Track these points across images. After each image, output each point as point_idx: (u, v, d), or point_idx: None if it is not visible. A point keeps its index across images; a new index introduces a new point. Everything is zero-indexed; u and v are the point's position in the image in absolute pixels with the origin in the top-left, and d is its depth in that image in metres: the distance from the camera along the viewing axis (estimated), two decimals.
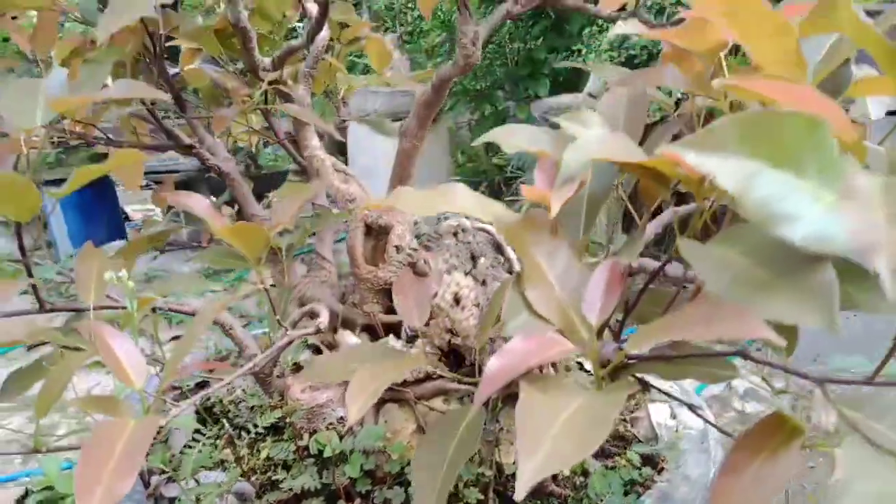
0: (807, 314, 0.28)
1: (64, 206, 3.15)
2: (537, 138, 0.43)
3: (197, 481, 0.74)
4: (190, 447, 0.75)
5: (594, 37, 3.29)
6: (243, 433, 0.78)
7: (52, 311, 0.59)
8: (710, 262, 0.30)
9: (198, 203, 0.57)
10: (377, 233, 0.85)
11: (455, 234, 0.96)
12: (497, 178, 3.89)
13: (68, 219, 3.24)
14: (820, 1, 0.35)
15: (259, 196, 0.94)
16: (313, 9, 0.84)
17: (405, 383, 0.72)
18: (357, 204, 0.85)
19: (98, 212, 3.33)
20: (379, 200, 0.40)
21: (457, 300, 0.79)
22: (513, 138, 0.42)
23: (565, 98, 3.98)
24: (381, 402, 0.74)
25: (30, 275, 0.56)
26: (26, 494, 1.29)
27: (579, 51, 3.44)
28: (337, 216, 0.82)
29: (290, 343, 0.61)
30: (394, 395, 0.73)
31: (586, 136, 0.37)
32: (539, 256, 0.36)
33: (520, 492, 0.28)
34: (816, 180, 0.29)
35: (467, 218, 1.01)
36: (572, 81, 3.91)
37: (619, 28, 0.47)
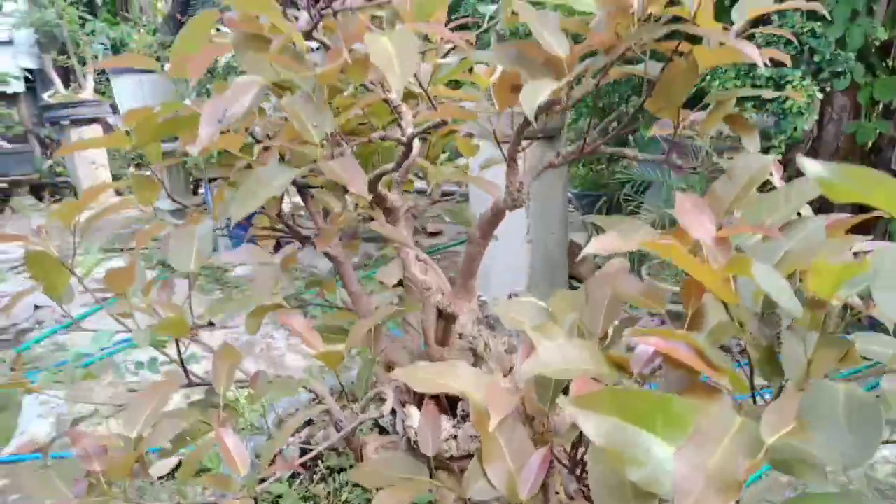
0: None
1: None
2: None
3: None
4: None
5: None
6: (328, 480, 0.99)
7: (194, 385, 0.82)
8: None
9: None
10: (447, 317, 1.02)
11: None
12: (617, 193, 3.86)
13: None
14: None
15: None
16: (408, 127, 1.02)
17: (452, 458, 0.89)
18: (432, 292, 1.03)
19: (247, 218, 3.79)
20: (401, 372, 0.57)
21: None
22: None
23: (695, 115, 3.91)
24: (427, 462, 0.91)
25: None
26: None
27: (704, 76, 3.39)
28: (417, 303, 1.00)
29: (360, 424, 0.80)
30: (441, 465, 0.90)
31: (544, 349, 0.52)
32: (500, 437, 0.51)
33: None
34: (662, 436, 0.42)
35: (531, 300, 1.15)
36: (698, 98, 3.84)
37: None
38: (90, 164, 6.28)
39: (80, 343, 3.05)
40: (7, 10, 5.88)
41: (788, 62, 0.77)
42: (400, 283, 1.22)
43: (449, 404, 1.00)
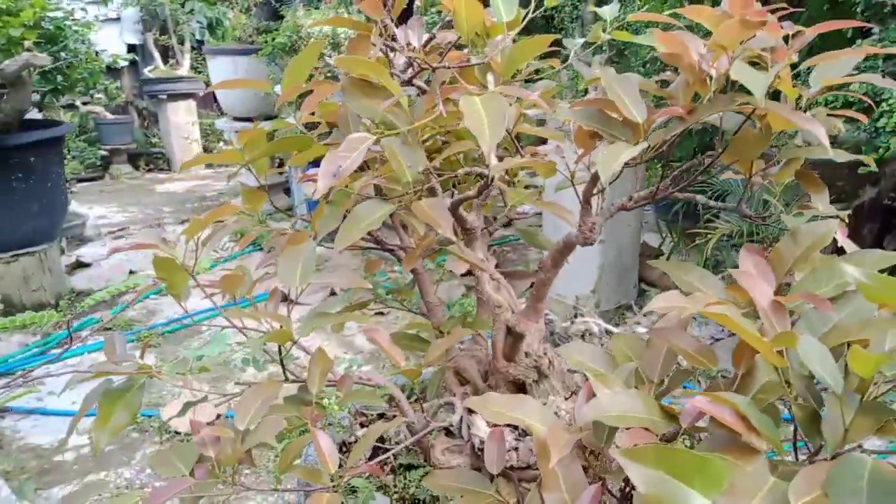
0: None
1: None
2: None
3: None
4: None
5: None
6: (398, 472, 1.09)
7: (293, 381, 0.94)
8: None
9: None
10: (515, 335, 1.10)
11: (582, 336, 1.18)
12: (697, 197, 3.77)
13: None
14: None
15: None
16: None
17: (512, 468, 0.97)
18: (503, 309, 1.11)
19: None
20: (474, 401, 0.65)
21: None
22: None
23: None
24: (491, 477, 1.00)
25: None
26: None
27: None
28: (488, 320, 1.08)
29: (429, 431, 0.89)
30: (502, 474, 0.98)
31: (602, 396, 0.59)
32: (558, 470, 0.59)
33: None
34: (700, 490, 0.48)
35: (596, 322, 1.22)
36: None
37: None
38: (184, 138, 6.66)
39: (167, 308, 3.32)
40: None
41: (864, 119, 0.80)
42: (469, 273, 1.30)
43: None
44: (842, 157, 0.79)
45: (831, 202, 3.34)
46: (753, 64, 0.74)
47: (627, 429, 0.56)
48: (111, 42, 6.46)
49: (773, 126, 0.77)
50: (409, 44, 0.82)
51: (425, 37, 0.87)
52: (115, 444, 2.48)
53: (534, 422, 0.62)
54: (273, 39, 4.43)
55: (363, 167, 1.01)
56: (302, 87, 0.99)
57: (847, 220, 0.80)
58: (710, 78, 0.72)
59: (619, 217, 3.64)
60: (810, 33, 0.75)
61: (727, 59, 0.68)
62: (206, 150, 6.95)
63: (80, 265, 3.88)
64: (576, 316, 1.22)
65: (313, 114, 1.07)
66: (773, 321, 0.63)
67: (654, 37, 0.74)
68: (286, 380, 0.93)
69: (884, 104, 2.82)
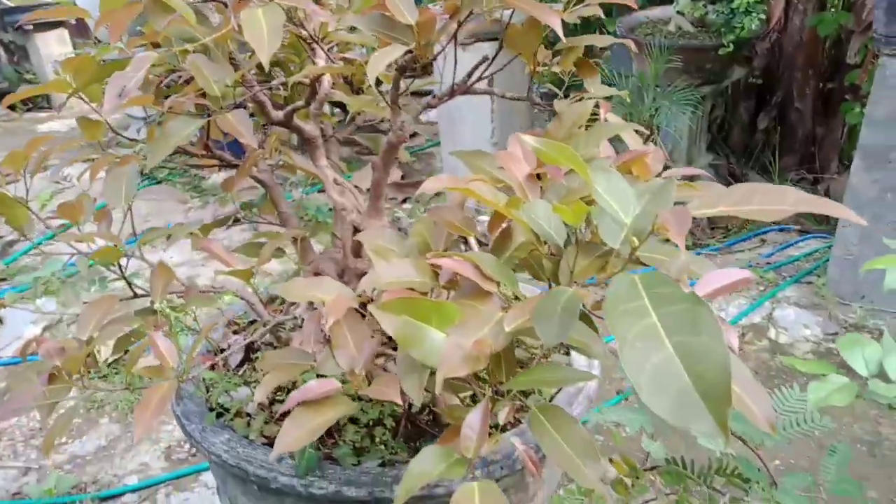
0: None
1: None
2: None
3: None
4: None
5: None
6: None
7: (138, 297, 1.00)
8: None
9: None
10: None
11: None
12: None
13: None
14: None
15: None
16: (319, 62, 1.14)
17: None
18: (348, 212, 1.19)
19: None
20: (280, 287, 0.75)
21: None
22: None
23: (655, 11, 3.90)
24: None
25: None
26: None
27: None
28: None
29: (278, 323, 0.99)
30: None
31: (379, 267, 0.70)
32: (346, 330, 0.70)
33: None
34: (437, 327, 0.60)
35: None
36: None
37: None
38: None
39: (65, 249, 3.25)
40: None
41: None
42: (406, 200, 1.38)
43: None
44: (603, 41, 0.89)
45: (701, 84, 3.54)
46: None
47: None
48: None
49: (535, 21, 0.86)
50: None
51: None
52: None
53: (326, 296, 0.72)
54: None
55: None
56: (119, 9, 1.00)
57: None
58: None
59: (511, 119, 3.75)
60: None
61: None
62: None
63: None
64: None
65: (143, 34, 1.08)
66: (527, 191, 0.74)
67: None
68: (134, 295, 1.00)
69: None
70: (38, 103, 6.44)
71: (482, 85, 0.98)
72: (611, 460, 0.87)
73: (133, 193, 0.88)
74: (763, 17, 2.92)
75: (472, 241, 0.77)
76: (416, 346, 0.60)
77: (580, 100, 0.95)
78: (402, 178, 1.37)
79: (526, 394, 1.03)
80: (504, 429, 0.84)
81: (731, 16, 2.89)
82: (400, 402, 0.69)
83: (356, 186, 1.31)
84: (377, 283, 0.68)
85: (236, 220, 1.54)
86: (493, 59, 0.94)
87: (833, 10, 3.49)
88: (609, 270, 0.70)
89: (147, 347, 0.86)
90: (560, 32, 0.73)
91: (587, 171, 0.55)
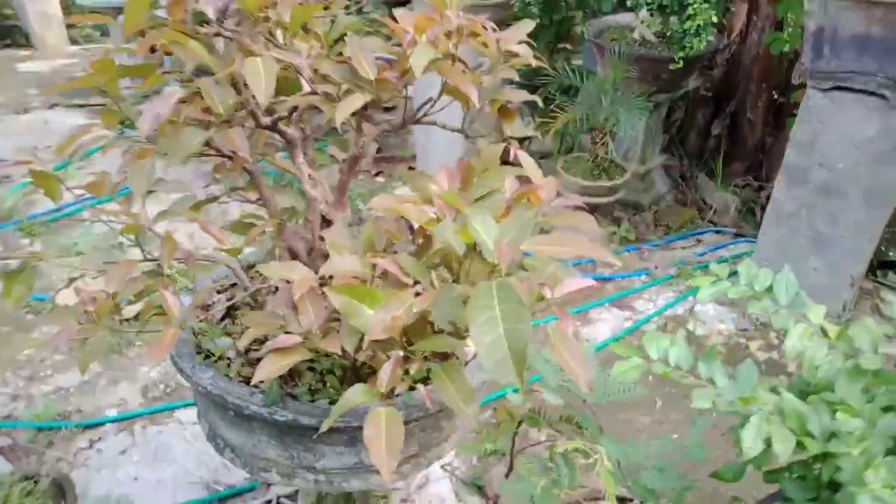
0: None
1: None
2: None
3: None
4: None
5: None
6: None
7: (149, 261, 1.28)
8: None
9: None
10: (327, 221, 1.47)
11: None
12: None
13: None
14: None
15: None
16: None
17: None
18: (318, 202, 1.47)
19: None
20: (262, 267, 1.03)
21: None
22: None
23: (624, 17, 4.14)
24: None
25: None
26: None
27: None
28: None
29: (257, 289, 1.29)
30: None
31: (335, 259, 0.99)
32: (308, 304, 1.00)
33: None
34: (369, 306, 0.90)
35: None
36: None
37: None
38: (41, 11, 6.25)
39: (44, 198, 3.45)
40: None
41: (515, 76, 1.18)
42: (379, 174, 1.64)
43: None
44: (522, 96, 1.18)
45: (656, 91, 3.88)
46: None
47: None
48: None
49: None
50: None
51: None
52: (10, 326, 2.75)
53: (296, 277, 1.01)
54: None
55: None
56: (142, 25, 1.25)
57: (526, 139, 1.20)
58: None
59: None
60: None
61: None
62: (70, 27, 6.57)
63: None
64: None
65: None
66: (445, 210, 1.04)
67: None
68: (144, 259, 1.28)
69: (689, 8, 3.25)
70: (17, 40, 6.47)
71: (429, 118, 1.26)
72: (495, 409, 1.19)
73: (152, 181, 1.15)
74: (711, 38, 3.21)
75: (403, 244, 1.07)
76: (354, 317, 0.90)
77: (505, 140, 1.24)
78: (378, 151, 1.64)
79: (447, 358, 1.34)
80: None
81: (683, 35, 3.18)
82: (340, 352, 0.99)
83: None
84: (332, 271, 0.97)
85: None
86: (437, 99, 1.21)
87: (790, 29, 3.73)
88: (496, 275, 1.00)
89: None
90: (476, 102, 1.02)
91: (467, 211, 0.85)
